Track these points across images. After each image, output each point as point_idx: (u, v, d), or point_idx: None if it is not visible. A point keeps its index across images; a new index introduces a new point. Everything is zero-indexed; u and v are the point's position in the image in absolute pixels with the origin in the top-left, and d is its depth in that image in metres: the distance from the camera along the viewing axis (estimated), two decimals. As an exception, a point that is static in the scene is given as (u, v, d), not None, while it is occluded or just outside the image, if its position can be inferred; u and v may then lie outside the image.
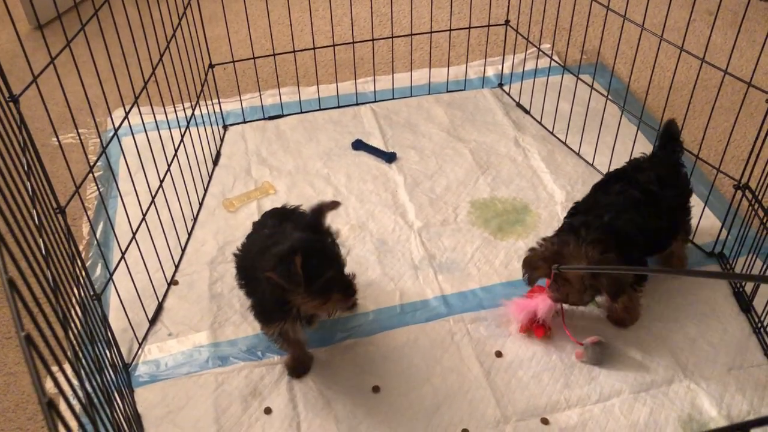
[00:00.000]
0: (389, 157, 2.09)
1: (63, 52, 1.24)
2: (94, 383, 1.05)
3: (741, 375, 1.48)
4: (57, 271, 0.97)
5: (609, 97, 2.00)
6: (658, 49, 1.74)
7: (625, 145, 1.92)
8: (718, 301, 1.64)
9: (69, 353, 0.83)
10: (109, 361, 1.31)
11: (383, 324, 1.61)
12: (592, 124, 2.02)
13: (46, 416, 0.44)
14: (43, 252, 0.87)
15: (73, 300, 1.12)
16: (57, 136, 1.33)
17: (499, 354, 1.53)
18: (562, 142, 2.12)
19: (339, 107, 2.29)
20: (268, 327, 1.44)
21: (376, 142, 2.15)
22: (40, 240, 0.88)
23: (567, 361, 1.52)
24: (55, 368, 0.66)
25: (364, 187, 2.00)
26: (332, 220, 1.87)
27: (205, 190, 1.99)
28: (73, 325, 0.99)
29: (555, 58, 2.21)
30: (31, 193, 0.95)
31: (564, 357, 1.53)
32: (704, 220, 1.77)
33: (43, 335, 0.67)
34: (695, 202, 1.84)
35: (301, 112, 2.27)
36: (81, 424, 0.62)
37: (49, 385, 1.50)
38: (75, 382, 0.80)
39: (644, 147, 1.95)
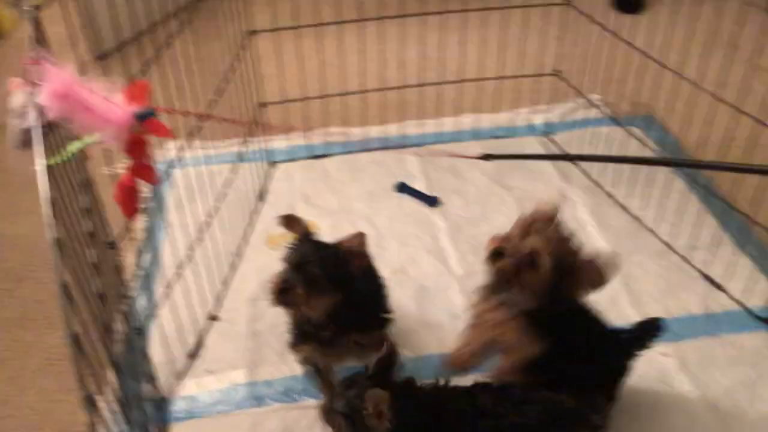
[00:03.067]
0: (432, 201, 2.09)
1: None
2: (135, 418, 1.05)
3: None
4: (108, 309, 0.98)
5: (659, 151, 1.97)
6: (713, 107, 1.72)
7: (675, 201, 1.89)
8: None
9: (116, 393, 0.84)
10: (147, 395, 1.31)
11: (421, 374, 1.58)
12: (641, 178, 1.99)
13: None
14: (99, 292, 0.88)
15: (120, 335, 1.13)
16: (111, 168, 1.36)
17: (539, 412, 1.49)
18: (609, 195, 2.09)
19: (384, 149, 2.31)
20: (293, 349, 1.42)
21: (420, 186, 2.15)
22: (97, 280, 0.90)
23: (610, 424, 1.47)
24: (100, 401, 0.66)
25: (406, 230, 2.00)
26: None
27: (250, 227, 2.01)
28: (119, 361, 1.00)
29: (605, 109, 2.19)
30: (89, 233, 0.97)
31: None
32: (757, 284, 1.72)
33: (94, 376, 0.68)
34: (744, 264, 1.80)
35: (347, 153, 2.29)
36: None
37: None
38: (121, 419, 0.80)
39: (694, 204, 1.92)
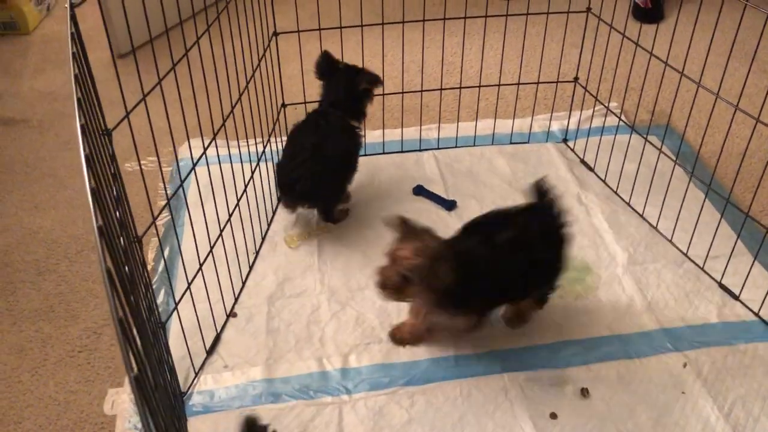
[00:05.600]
0: (449, 205, 2.10)
1: (145, 80, 1.29)
2: (155, 410, 1.07)
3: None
4: (135, 300, 1.00)
5: (677, 161, 1.98)
6: (732, 118, 1.72)
7: (691, 211, 1.89)
8: (784, 380, 1.59)
9: (149, 383, 0.85)
10: (170, 389, 1.33)
11: (436, 374, 1.60)
12: (658, 187, 1.99)
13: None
14: (128, 283, 0.90)
15: (144, 327, 1.15)
16: (140, 163, 1.39)
17: (554, 415, 1.50)
18: (626, 202, 2.10)
19: (402, 152, 2.33)
20: None
21: (437, 189, 2.16)
22: (125, 269, 0.92)
23: (623, 428, 1.48)
24: (122, 393, 0.68)
25: (423, 233, 2.01)
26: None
27: (269, 225, 2.03)
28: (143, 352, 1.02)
29: (623, 117, 2.20)
30: (119, 223, 0.99)
31: (620, 425, 1.49)
32: (773, 294, 1.73)
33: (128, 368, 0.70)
34: (761, 274, 1.80)
35: (365, 155, 2.31)
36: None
37: (110, 407, 1.54)
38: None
39: (711, 214, 1.92)
